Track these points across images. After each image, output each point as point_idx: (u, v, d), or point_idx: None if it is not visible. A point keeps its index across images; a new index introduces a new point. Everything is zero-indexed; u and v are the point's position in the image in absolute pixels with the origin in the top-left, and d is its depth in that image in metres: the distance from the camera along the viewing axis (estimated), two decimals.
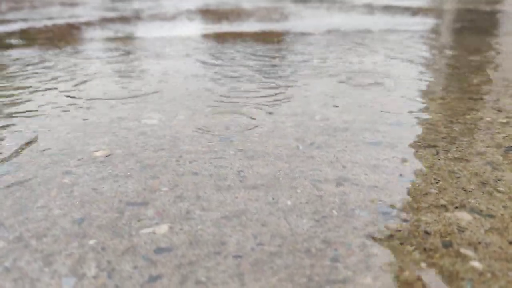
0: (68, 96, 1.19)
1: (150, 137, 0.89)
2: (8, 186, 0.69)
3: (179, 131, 0.92)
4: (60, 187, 0.69)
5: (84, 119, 1.00)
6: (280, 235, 0.55)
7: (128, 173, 0.73)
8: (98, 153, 0.81)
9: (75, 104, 1.12)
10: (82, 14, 3.58)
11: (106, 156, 0.80)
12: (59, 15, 3.49)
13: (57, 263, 0.51)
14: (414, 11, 3.45)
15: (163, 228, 0.58)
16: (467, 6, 3.87)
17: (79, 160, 0.79)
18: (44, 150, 0.83)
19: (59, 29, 2.63)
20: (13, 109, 1.08)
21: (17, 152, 0.82)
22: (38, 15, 3.47)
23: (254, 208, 0.62)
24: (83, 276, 0.49)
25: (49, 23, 2.99)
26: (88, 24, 2.90)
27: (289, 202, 0.63)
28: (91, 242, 0.55)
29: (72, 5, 4.45)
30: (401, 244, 0.53)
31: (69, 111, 1.07)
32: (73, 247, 0.54)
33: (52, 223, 0.59)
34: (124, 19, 3.17)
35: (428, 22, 2.79)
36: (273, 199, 0.64)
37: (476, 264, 0.50)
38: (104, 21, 3.04)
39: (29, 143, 0.87)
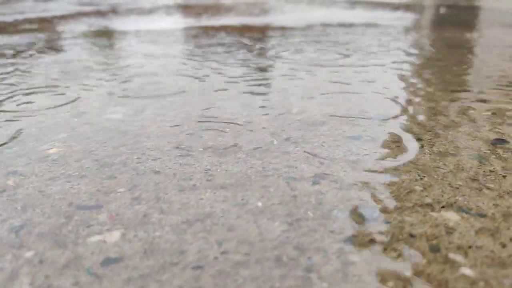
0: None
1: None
2: None
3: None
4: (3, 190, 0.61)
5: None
6: (247, 242, 0.49)
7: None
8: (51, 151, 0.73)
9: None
10: (56, 8, 3.45)
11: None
12: (31, 10, 3.35)
13: None
14: (395, 6, 3.43)
15: (115, 235, 0.50)
16: (446, 2, 3.87)
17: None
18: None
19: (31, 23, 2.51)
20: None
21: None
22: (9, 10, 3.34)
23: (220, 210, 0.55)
24: None
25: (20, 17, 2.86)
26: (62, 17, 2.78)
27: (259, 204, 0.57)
28: (28, 254, 0.47)
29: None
30: (384, 249, 0.47)
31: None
32: (5, 260, 0.46)
33: None
34: (100, 13, 3.05)
35: (408, 16, 2.76)
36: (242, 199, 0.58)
37: (467, 271, 0.44)
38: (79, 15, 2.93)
39: None
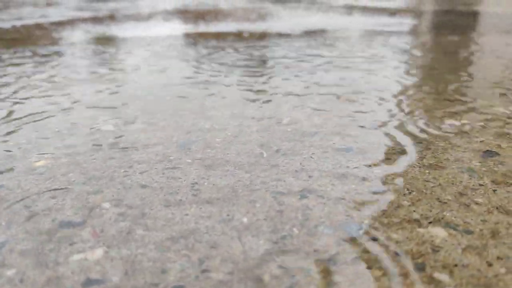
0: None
1: None
2: None
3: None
4: None
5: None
6: (231, 260, 0.48)
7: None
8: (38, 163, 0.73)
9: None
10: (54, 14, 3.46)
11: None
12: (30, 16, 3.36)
13: None
14: (392, 12, 3.43)
15: (98, 253, 0.50)
16: (444, 7, 3.87)
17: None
18: None
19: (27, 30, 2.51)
20: None
21: None
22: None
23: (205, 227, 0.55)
24: None
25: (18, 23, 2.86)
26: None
27: (245, 219, 0.56)
28: (10, 272, 0.47)
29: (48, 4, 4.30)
30: (369, 268, 0.47)
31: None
32: None
33: None
34: (97, 19, 3.06)
35: (405, 22, 2.77)
36: (228, 215, 0.57)
37: None
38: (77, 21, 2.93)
39: None
